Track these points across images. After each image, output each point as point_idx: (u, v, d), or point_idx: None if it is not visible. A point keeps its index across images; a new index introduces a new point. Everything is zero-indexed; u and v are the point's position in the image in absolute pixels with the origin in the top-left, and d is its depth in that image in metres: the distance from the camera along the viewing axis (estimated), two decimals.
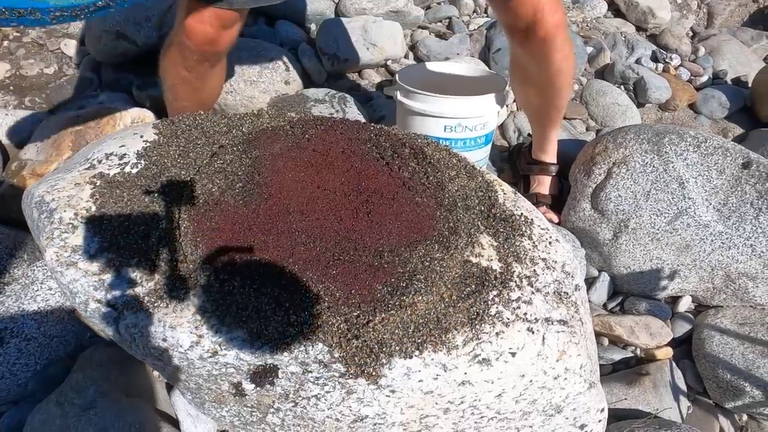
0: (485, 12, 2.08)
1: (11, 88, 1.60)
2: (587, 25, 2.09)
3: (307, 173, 0.68)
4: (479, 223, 0.70)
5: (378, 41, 1.64)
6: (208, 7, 0.85)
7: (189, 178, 0.68)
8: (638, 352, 1.17)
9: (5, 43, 1.71)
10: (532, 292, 0.66)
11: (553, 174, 1.36)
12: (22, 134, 1.41)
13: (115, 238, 0.63)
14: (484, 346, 0.60)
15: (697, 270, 1.20)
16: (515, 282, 0.65)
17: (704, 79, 1.92)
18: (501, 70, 1.70)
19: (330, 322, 0.56)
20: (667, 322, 1.22)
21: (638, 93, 1.76)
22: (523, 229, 0.72)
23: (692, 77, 1.92)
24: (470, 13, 2.05)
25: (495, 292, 0.63)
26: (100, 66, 1.65)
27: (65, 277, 0.60)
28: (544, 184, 1.36)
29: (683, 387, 1.10)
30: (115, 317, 0.59)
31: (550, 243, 0.72)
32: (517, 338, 0.61)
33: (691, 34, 2.27)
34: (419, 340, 0.58)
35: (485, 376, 0.59)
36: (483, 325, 0.61)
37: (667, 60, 1.92)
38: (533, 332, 0.62)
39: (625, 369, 1.14)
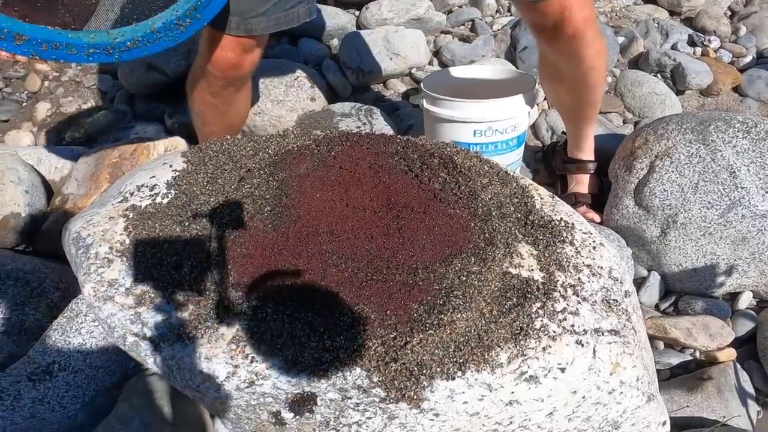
0: (508, 11, 2.04)
1: (52, 125, 1.67)
2: (616, 15, 2.02)
3: (335, 192, 0.67)
4: (516, 231, 0.67)
5: (401, 50, 1.63)
6: (228, 35, 0.86)
7: (218, 205, 0.67)
8: (698, 354, 1.09)
9: (45, 83, 1.79)
10: (579, 302, 0.62)
11: (592, 172, 1.30)
12: (63, 169, 1.46)
13: (149, 270, 0.63)
14: (530, 362, 0.57)
15: (756, 263, 1.12)
16: (559, 292, 0.62)
17: (748, 59, 1.81)
18: (529, 69, 1.65)
19: (366, 346, 0.54)
20: (727, 321, 1.14)
21: (677, 80, 1.68)
22: (564, 234, 0.68)
23: (734, 59, 1.82)
24: (493, 13, 2.01)
25: (538, 304, 0.60)
26: (134, 98, 1.70)
27: (103, 312, 0.61)
28: (582, 183, 1.31)
29: (751, 390, 1.03)
30: (153, 350, 0.59)
31: (594, 248, 0.68)
32: (565, 352, 0.58)
33: (729, 13, 2.16)
34: (461, 360, 0.55)
35: (534, 394, 0.56)
36: (528, 340, 0.57)
37: (705, 43, 1.83)
38: (582, 345, 0.59)
39: (684, 374, 1.07)
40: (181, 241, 0.65)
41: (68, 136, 1.62)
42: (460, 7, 2.00)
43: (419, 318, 0.55)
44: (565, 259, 0.65)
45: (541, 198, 0.73)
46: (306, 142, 0.77)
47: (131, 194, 0.73)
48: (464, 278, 0.58)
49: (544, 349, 0.57)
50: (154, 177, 0.74)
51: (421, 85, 1.27)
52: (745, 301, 1.18)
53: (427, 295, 0.57)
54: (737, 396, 1.02)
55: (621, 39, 1.84)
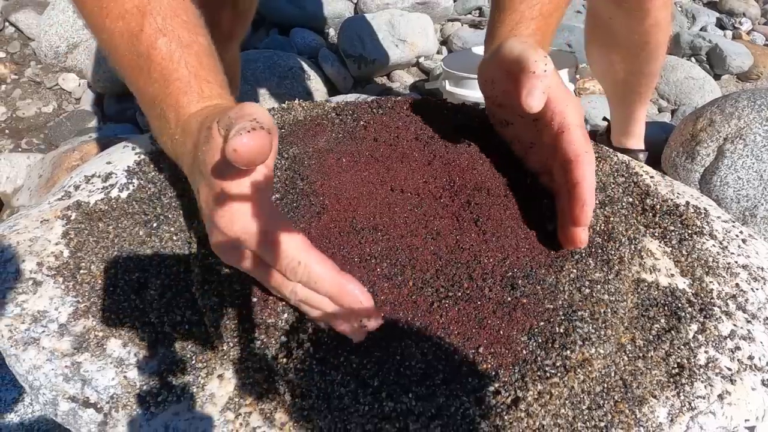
0: None
1: (7, 131, 1.44)
2: None
3: (372, 171, 0.46)
4: (635, 220, 0.46)
5: (407, 36, 1.44)
6: None
7: None
8: None
9: (2, 87, 1.57)
10: (748, 320, 0.42)
11: (643, 162, 1.11)
12: (17, 179, 1.23)
13: (98, 295, 0.41)
14: (703, 420, 0.36)
15: None
16: (719, 306, 0.41)
17: None
18: None
19: (449, 408, 0.33)
20: None
21: (714, 63, 1.52)
22: (699, 223, 0.48)
23: None
24: None
25: (695, 327, 0.40)
26: (103, 98, 1.48)
27: (22, 365, 0.39)
28: None
29: None
30: (101, 422, 0.37)
31: (743, 241, 0.48)
32: (752, 401, 0.37)
33: None
34: (602, 423, 0.34)
35: None
36: (694, 383, 0.37)
37: (736, 25, 1.68)
38: None
39: None
40: (146, 252, 0.43)
41: (25, 143, 1.39)
42: None
43: (532, 357, 0.34)
44: (711, 259, 0.45)
45: (651, 176, 0.53)
46: (320, 112, 0.56)
47: (76, 188, 0.51)
48: (587, 291, 0.38)
49: (720, 397, 0.37)
50: (110, 164, 0.53)
51: (441, 64, 1.08)
52: None
53: (539, 319, 0.36)
54: None
55: None
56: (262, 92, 1.32)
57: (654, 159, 1.15)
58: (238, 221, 0.32)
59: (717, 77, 1.53)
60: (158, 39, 0.38)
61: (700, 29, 1.67)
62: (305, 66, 1.40)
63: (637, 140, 1.10)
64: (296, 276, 0.32)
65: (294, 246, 0.32)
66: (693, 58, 1.55)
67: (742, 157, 0.97)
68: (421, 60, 1.51)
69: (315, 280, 0.32)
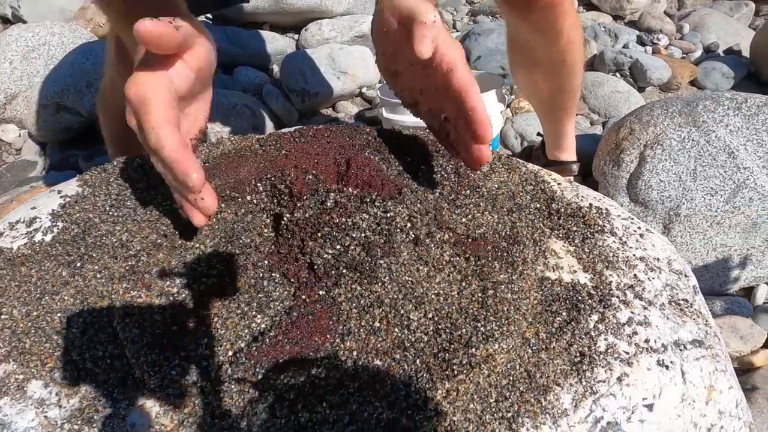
0: (453, 27, 1.97)
1: None
2: None
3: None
4: (541, 224, 0.50)
5: (348, 68, 1.49)
6: None
7: (124, 233, 0.47)
8: None
9: None
10: (644, 307, 0.45)
11: (576, 173, 1.17)
12: None
13: (18, 339, 0.41)
14: (605, 402, 0.39)
15: None
16: (617, 296, 0.45)
17: (697, 54, 1.80)
18: None
19: (362, 413, 0.35)
20: (749, 319, 1.01)
21: (637, 77, 1.63)
22: (600, 222, 0.52)
23: (684, 55, 1.81)
24: None
25: (596, 317, 0.43)
26: (45, 147, 1.46)
27: None
28: None
29: None
30: None
31: (641, 235, 0.52)
32: (648, 380, 0.40)
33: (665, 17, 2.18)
34: (509, 414, 0.36)
35: None
36: (594, 369, 0.40)
37: (654, 41, 1.81)
38: (667, 366, 0.41)
39: None
40: (68, 292, 0.44)
41: None
42: None
43: (441, 357, 0.36)
44: (611, 254, 0.49)
45: (558, 183, 0.57)
46: (247, 144, 0.58)
47: (0, 235, 0.51)
48: (491, 292, 0.40)
49: (619, 379, 0.40)
50: (34, 209, 0.53)
51: (377, 92, 1.12)
52: (763, 294, 1.06)
53: (444, 320, 0.38)
54: None
55: None
56: (208, 131, 1.33)
57: (587, 169, 1.22)
58: (136, 87, 0.39)
59: (641, 89, 1.64)
60: None
61: (623, 46, 1.78)
62: (250, 103, 1.43)
63: (569, 153, 1.16)
64: (150, 141, 0.38)
65: (156, 117, 0.38)
66: (618, 73, 1.66)
67: (662, 161, 1.04)
68: (364, 90, 1.56)
69: (160, 146, 0.38)
